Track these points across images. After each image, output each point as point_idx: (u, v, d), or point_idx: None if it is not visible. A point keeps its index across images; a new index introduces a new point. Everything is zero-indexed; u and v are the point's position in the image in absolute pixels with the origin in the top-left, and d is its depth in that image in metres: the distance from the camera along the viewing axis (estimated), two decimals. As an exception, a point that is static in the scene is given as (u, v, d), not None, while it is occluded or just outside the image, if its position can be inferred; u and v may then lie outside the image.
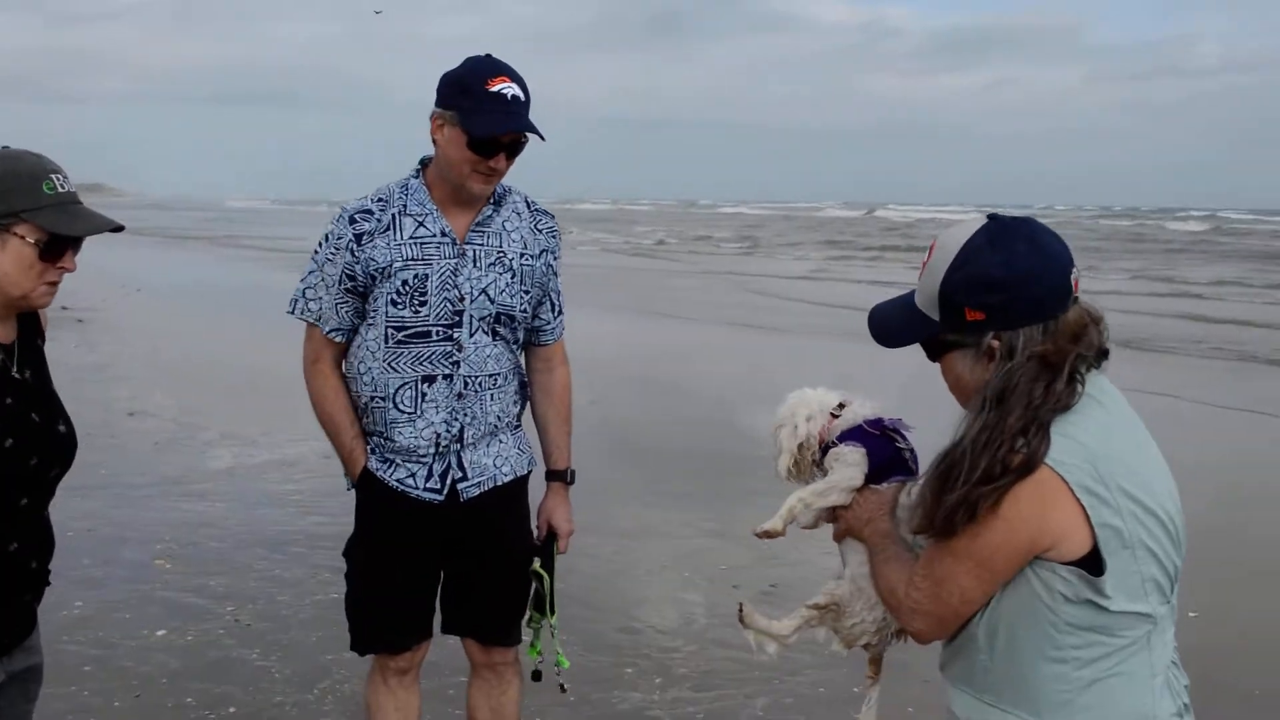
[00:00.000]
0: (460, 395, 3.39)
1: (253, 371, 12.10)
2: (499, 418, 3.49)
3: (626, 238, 47.63)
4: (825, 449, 2.53)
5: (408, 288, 3.33)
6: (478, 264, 3.38)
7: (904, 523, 2.38)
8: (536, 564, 3.60)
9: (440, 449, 3.41)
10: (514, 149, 3.32)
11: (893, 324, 2.28)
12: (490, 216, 3.42)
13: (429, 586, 3.60)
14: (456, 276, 3.35)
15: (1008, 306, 2.05)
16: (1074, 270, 2.10)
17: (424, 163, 3.46)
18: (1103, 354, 2.12)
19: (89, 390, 10.58)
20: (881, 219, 73.22)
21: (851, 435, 2.51)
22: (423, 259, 3.34)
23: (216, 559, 6.55)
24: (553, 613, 3.62)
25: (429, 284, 3.34)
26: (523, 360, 3.63)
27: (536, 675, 3.71)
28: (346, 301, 3.41)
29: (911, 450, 2.50)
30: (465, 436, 3.43)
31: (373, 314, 3.39)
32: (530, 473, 3.63)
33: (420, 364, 3.36)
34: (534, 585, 3.60)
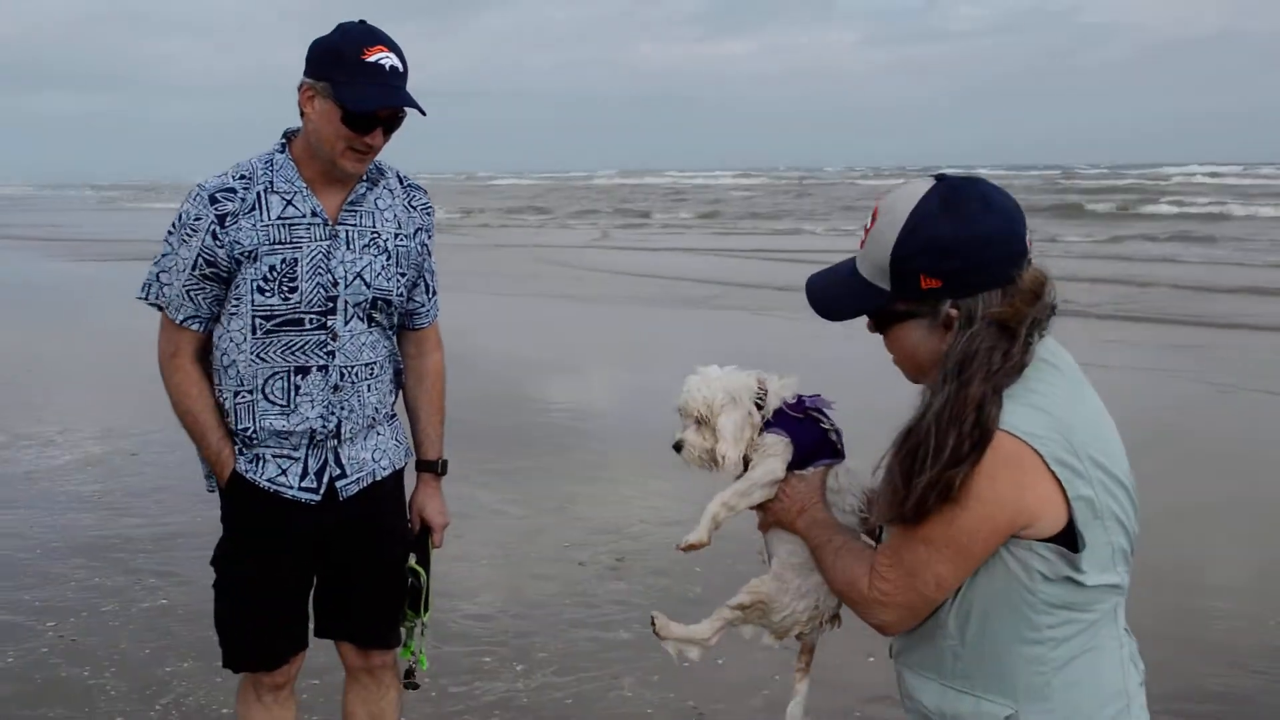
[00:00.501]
0: (336, 387, 3.18)
1: (39, 365, 11.29)
2: (376, 409, 3.30)
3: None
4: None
5: (276, 273, 3.09)
6: (351, 246, 3.16)
7: (836, 507, 2.32)
8: (412, 560, 3.43)
9: (315, 443, 3.20)
10: (391, 124, 3.11)
11: (836, 296, 2.14)
12: (363, 195, 3.21)
13: (304, 593, 3.38)
14: (329, 260, 3.13)
15: (966, 272, 1.96)
16: (1027, 230, 2.02)
17: (289, 135, 3.21)
18: (1052, 311, 2.02)
19: None
20: (660, 185, 74.00)
21: (775, 421, 2.40)
22: (291, 242, 3.11)
23: (28, 571, 6.05)
24: (427, 610, 3.46)
25: (299, 268, 3.10)
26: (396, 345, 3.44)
27: (409, 674, 3.55)
28: (203, 288, 3.13)
29: (837, 430, 2.42)
30: (343, 431, 3.22)
31: (236, 302, 3.13)
32: (406, 465, 3.45)
33: (292, 354, 3.14)
34: (409, 582, 3.44)
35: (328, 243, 3.13)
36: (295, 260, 3.10)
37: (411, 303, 3.37)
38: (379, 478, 3.32)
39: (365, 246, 3.18)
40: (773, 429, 2.40)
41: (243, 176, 3.14)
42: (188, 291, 3.14)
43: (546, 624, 5.42)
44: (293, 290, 3.10)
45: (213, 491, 3.33)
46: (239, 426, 3.19)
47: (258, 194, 3.11)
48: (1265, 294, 16.43)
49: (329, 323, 3.14)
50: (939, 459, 1.90)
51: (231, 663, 3.37)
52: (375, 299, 3.20)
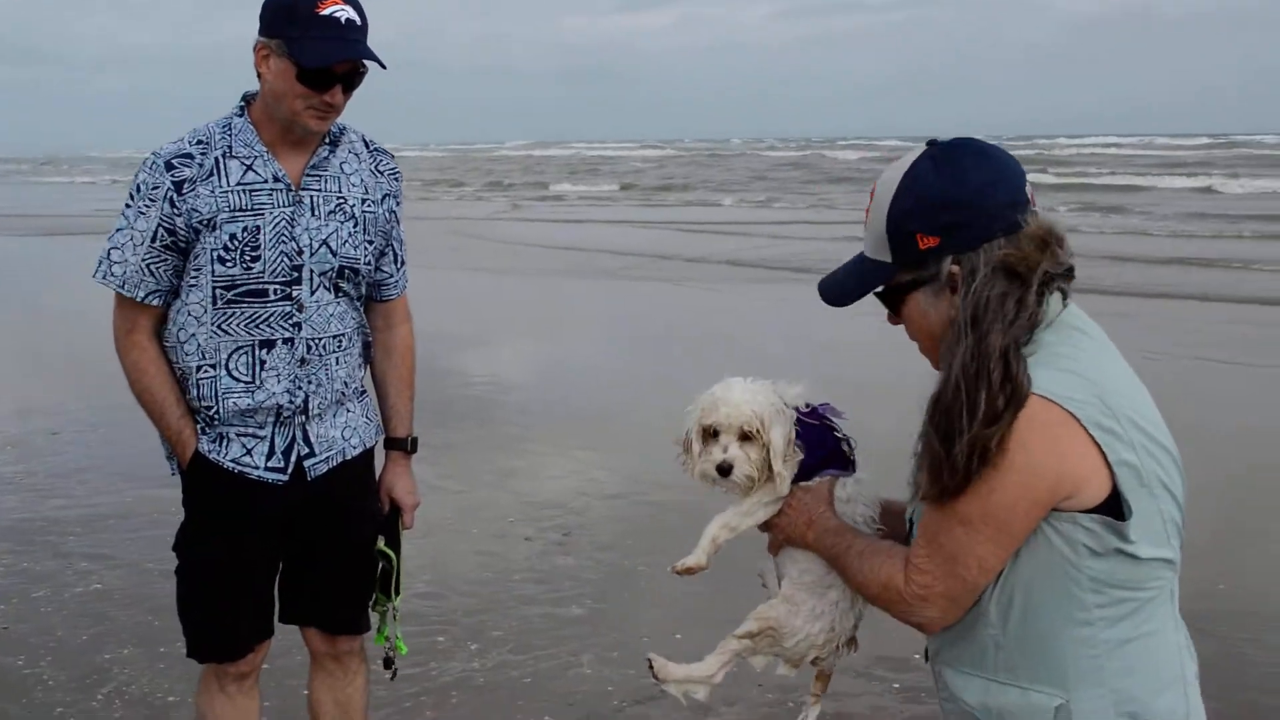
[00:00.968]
0: (303, 361, 3.04)
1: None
2: (345, 384, 3.16)
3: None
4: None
5: (237, 242, 2.94)
6: (316, 212, 3.02)
7: (845, 518, 2.19)
8: (381, 542, 3.30)
9: (282, 420, 3.06)
10: (351, 80, 2.96)
11: (841, 280, 2.08)
12: (326, 158, 3.06)
13: (271, 578, 3.24)
14: (293, 227, 2.98)
15: (962, 224, 1.89)
16: (1027, 183, 1.95)
17: (247, 99, 3.05)
18: (1069, 273, 1.93)
19: None
20: (566, 156, 73.62)
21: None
22: (253, 208, 2.95)
23: (-48, 559, 5.77)
24: (398, 593, 3.34)
25: (262, 236, 2.95)
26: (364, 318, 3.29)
27: (388, 662, 3.41)
28: (164, 260, 2.97)
29: (849, 440, 2.27)
30: (311, 407, 3.08)
31: (195, 273, 2.97)
32: (377, 443, 3.31)
33: (256, 326, 2.99)
34: (379, 565, 3.31)
35: (291, 209, 2.98)
36: (258, 228, 2.95)
37: (379, 273, 3.23)
38: (349, 456, 3.18)
39: (331, 212, 3.04)
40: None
41: (200, 141, 2.98)
42: (147, 265, 2.97)
43: (497, 601, 5.32)
44: (255, 259, 2.95)
45: (175, 475, 3.16)
46: (201, 403, 3.04)
47: (216, 159, 2.96)
48: (1186, 264, 16.65)
49: (294, 293, 3.00)
50: (974, 418, 1.80)
51: (196, 653, 3.22)
52: (342, 267, 3.06)
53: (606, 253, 19.73)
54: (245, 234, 2.93)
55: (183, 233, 2.93)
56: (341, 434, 3.16)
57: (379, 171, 3.17)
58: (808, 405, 2.25)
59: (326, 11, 2.86)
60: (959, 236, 1.89)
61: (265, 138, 2.99)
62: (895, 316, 2.06)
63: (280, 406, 3.02)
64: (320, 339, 3.05)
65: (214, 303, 2.96)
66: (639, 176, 48.22)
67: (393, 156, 3.25)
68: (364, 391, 3.29)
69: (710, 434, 2.21)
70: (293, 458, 3.08)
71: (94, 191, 41.87)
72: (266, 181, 2.97)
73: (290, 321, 3.00)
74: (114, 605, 5.19)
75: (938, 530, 1.90)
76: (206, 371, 3.01)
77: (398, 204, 3.23)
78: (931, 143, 1.99)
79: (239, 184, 2.95)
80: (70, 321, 10.69)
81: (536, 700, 4.40)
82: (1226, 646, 4.75)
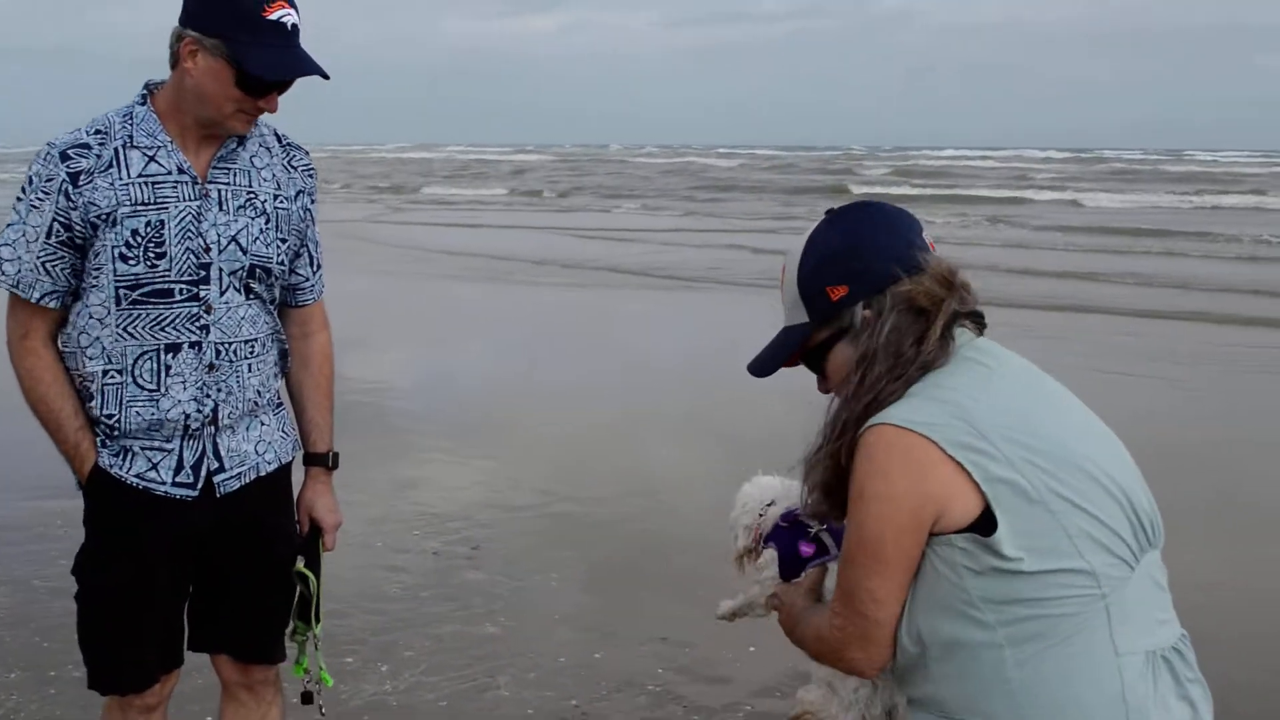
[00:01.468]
0: (212, 366, 2.80)
1: None
2: (259, 393, 2.93)
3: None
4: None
5: (140, 238, 2.70)
6: (224, 207, 2.79)
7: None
8: (300, 564, 3.07)
9: (190, 433, 2.81)
10: (286, 85, 2.76)
11: (765, 353, 2.17)
12: (235, 150, 2.83)
13: (180, 603, 2.99)
14: (200, 223, 2.75)
15: (864, 270, 1.99)
16: (924, 230, 2.08)
17: (150, 88, 2.81)
18: (977, 317, 2.05)
19: None
20: (440, 160, 72.93)
21: (772, 536, 2.46)
22: (157, 202, 2.72)
23: None
24: (318, 621, 3.10)
25: (166, 232, 2.72)
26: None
27: (308, 697, 3.17)
28: (61, 258, 2.72)
29: (833, 529, 2.34)
30: (220, 417, 2.84)
31: (95, 271, 2.73)
32: (294, 459, 3.08)
33: (161, 329, 2.74)
34: (298, 590, 3.07)
35: (198, 203, 2.76)
36: (162, 223, 2.72)
37: (294, 276, 3.01)
38: (263, 472, 2.95)
39: (241, 208, 2.82)
40: (768, 544, 2.46)
41: (98, 131, 2.74)
42: (43, 264, 2.72)
43: (407, 619, 5.07)
44: (160, 257, 2.72)
45: (79, 491, 2.89)
46: (103, 413, 2.78)
47: (115, 149, 2.72)
48: (1082, 278, 16.96)
49: (202, 293, 2.77)
50: (829, 436, 1.97)
51: (99, 685, 2.95)
52: (253, 266, 2.84)
53: (491, 257, 19.51)
54: (149, 229, 2.70)
55: (79, 228, 2.69)
56: (255, 448, 2.93)
57: (292, 167, 2.95)
58: (791, 509, 2.42)
59: (274, 16, 2.65)
60: (865, 281, 1.99)
61: (170, 128, 2.76)
62: (824, 381, 2.12)
63: (187, 415, 2.78)
64: (230, 343, 2.82)
65: (118, 303, 2.72)
66: (522, 180, 47.98)
67: (307, 152, 3.04)
68: (280, 404, 3.06)
69: None
70: (202, 473, 2.84)
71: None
72: (170, 174, 2.74)
73: (197, 324, 2.77)
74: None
75: (839, 574, 2.00)
76: (113, 377, 2.76)
77: (312, 202, 3.01)
78: (829, 211, 2.13)
79: (140, 176, 2.71)
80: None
81: (454, 724, 4.17)
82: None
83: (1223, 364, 10.88)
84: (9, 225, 2.72)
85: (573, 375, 10.14)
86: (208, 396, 2.80)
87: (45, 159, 2.70)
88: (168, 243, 2.71)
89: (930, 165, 58.77)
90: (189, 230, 2.73)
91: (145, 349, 2.74)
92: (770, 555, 2.43)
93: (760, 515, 2.50)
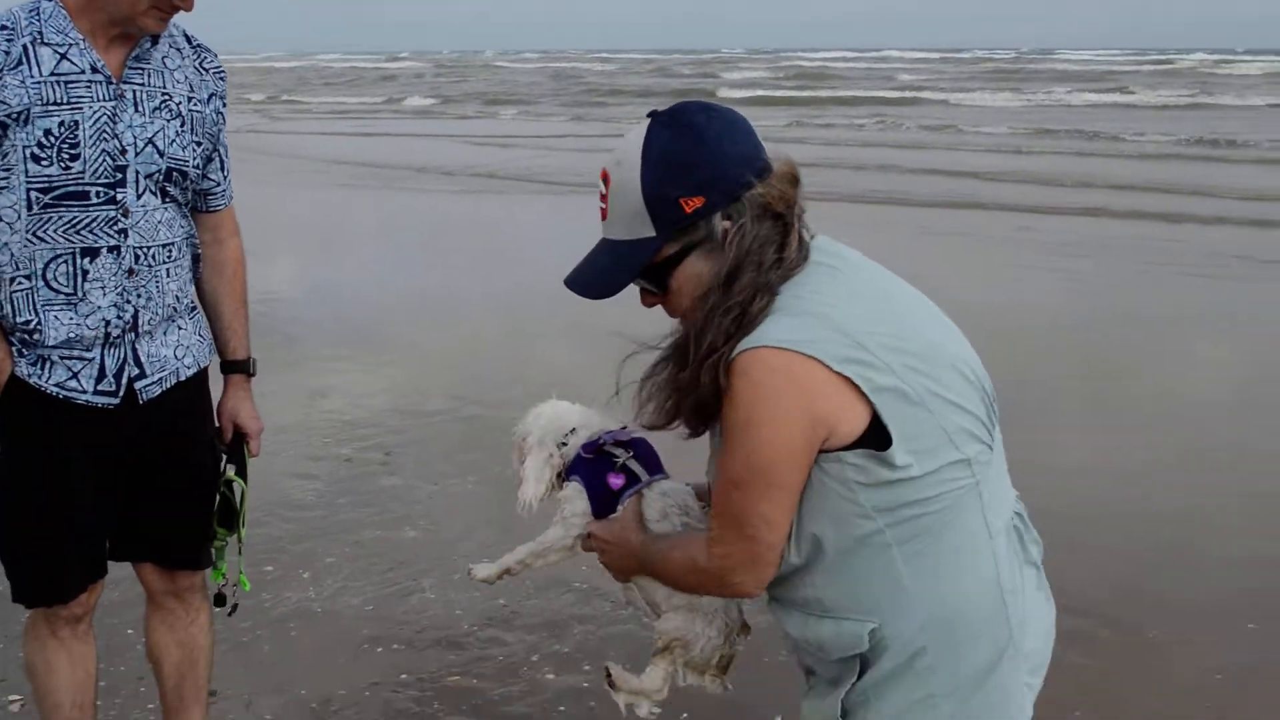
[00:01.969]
0: (131, 271, 2.72)
1: None
2: (178, 298, 2.86)
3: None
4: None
5: (53, 138, 2.59)
6: (140, 109, 2.69)
7: (656, 522, 2.18)
8: (230, 471, 3.04)
9: (111, 340, 2.73)
10: None
11: (603, 270, 1.97)
12: (149, 51, 2.73)
13: (101, 512, 2.91)
14: (115, 124, 2.65)
15: (718, 178, 1.86)
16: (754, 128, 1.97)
17: None
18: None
19: None
20: (328, 67, 70.89)
21: (574, 469, 2.28)
22: (70, 102, 2.61)
23: None
24: (243, 525, 3.08)
25: (80, 132, 2.62)
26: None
27: (220, 599, 3.15)
28: None
29: (640, 454, 2.24)
30: (140, 323, 2.77)
31: (5, 173, 2.61)
32: (209, 364, 3.02)
33: (77, 233, 2.65)
34: (220, 496, 3.04)
35: (113, 104, 2.66)
36: (76, 123, 2.62)
37: (206, 181, 2.93)
38: (183, 377, 2.89)
39: (156, 110, 2.72)
40: (573, 476, 2.28)
41: (4, 27, 2.61)
42: None
43: (324, 527, 5.05)
44: (75, 158, 2.62)
45: None
46: (17, 320, 2.68)
47: (24, 46, 2.60)
48: (977, 177, 17.06)
49: (119, 196, 2.68)
50: (698, 356, 1.84)
51: (22, 597, 2.89)
52: (170, 170, 2.76)
53: (374, 166, 19.13)
54: (62, 129, 2.59)
55: None
56: (174, 353, 2.87)
57: (204, 69, 2.87)
58: (596, 438, 2.27)
59: None
60: (720, 189, 1.86)
61: (81, 26, 2.64)
62: (654, 296, 1.98)
63: (108, 322, 2.70)
64: (149, 248, 2.74)
65: (29, 206, 2.61)
66: (400, 87, 46.89)
67: (216, 55, 2.94)
68: (195, 308, 2.99)
69: None
70: (123, 380, 2.76)
71: None
72: (84, 72, 2.63)
73: (115, 228, 2.68)
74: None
75: (721, 499, 1.91)
76: (20, 283, 2.65)
77: (224, 105, 2.94)
78: (653, 113, 1.95)
79: (53, 74, 2.60)
80: None
81: (382, 627, 4.19)
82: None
83: (1112, 256, 11.22)
84: None
85: (465, 283, 10.04)
86: (128, 302, 2.73)
87: None
88: (82, 144, 2.61)
89: (808, 67, 58.83)
90: (104, 131, 2.63)
91: (59, 252, 2.64)
92: (575, 489, 2.25)
93: (562, 445, 2.29)
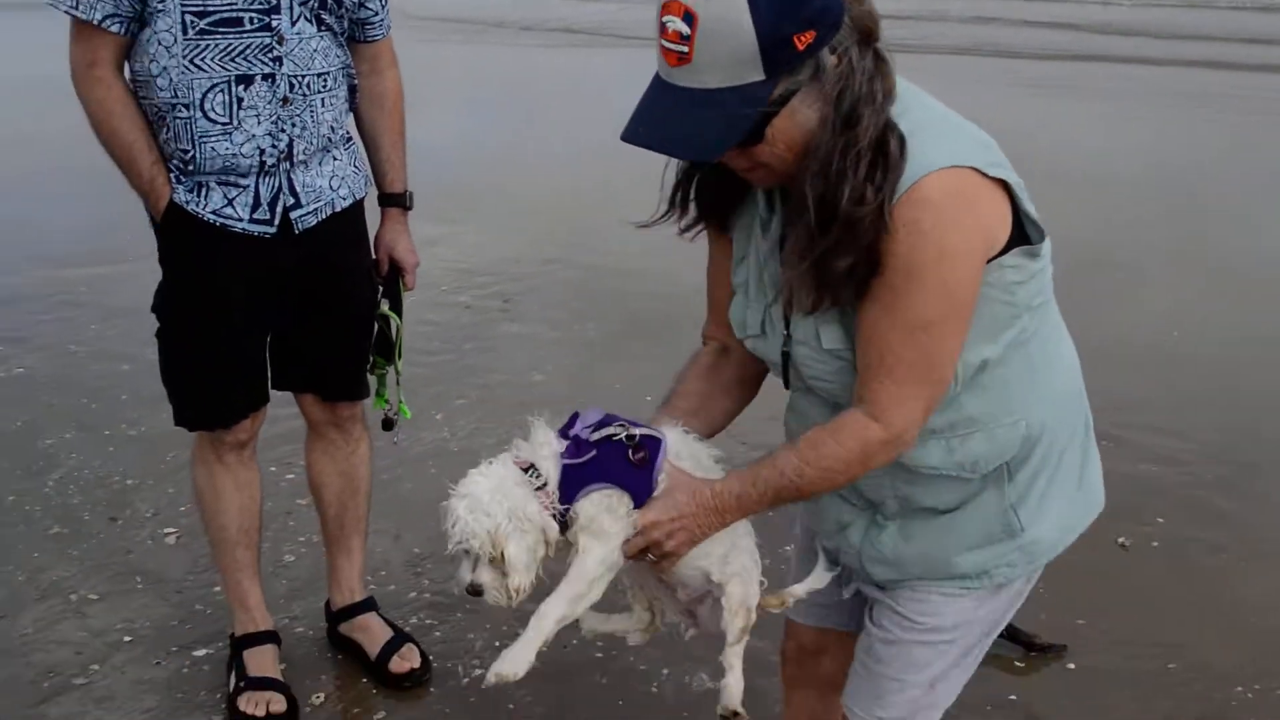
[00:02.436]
0: (286, 100, 2.70)
1: None
2: (332, 129, 2.84)
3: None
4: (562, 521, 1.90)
5: None
6: None
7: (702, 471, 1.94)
8: (385, 305, 3.07)
9: (266, 169, 2.73)
10: None
11: (703, 125, 1.69)
12: None
13: (262, 342, 2.98)
14: None
15: (826, 8, 1.64)
16: None
17: None
18: None
19: None
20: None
21: (571, 491, 1.89)
22: None
23: None
24: (400, 357, 3.11)
25: None
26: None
27: (388, 424, 3.22)
28: None
29: (628, 434, 1.91)
30: (295, 152, 2.76)
31: None
32: (365, 196, 3.02)
33: (232, 60, 2.63)
34: (377, 328, 3.07)
35: None
36: None
37: (364, 10, 2.87)
38: (339, 208, 2.89)
39: None
40: (592, 487, 1.89)
41: None
42: None
43: (452, 372, 5.10)
44: None
45: (152, 227, 2.84)
46: (177, 147, 2.70)
47: None
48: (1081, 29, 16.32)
49: (273, 23, 2.65)
50: (855, 199, 1.65)
51: (185, 420, 2.97)
52: None
53: (448, 20, 18.71)
54: None
55: None
56: (329, 183, 2.87)
57: None
58: (569, 441, 1.94)
59: None
60: (827, 18, 1.65)
61: None
62: (754, 156, 1.74)
63: (262, 150, 2.70)
64: (304, 77, 2.72)
65: (184, 31, 2.60)
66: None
67: None
68: (350, 139, 2.98)
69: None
70: (279, 209, 2.77)
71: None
72: None
73: (270, 55, 2.65)
74: (43, 389, 4.84)
75: (898, 351, 1.74)
76: (180, 112, 2.66)
77: None
78: None
79: None
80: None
81: (517, 465, 4.24)
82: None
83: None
84: None
85: (555, 136, 9.88)
86: (282, 131, 2.72)
87: None
88: None
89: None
90: None
91: (215, 81, 2.63)
92: (598, 500, 1.89)
93: (537, 487, 1.88)
